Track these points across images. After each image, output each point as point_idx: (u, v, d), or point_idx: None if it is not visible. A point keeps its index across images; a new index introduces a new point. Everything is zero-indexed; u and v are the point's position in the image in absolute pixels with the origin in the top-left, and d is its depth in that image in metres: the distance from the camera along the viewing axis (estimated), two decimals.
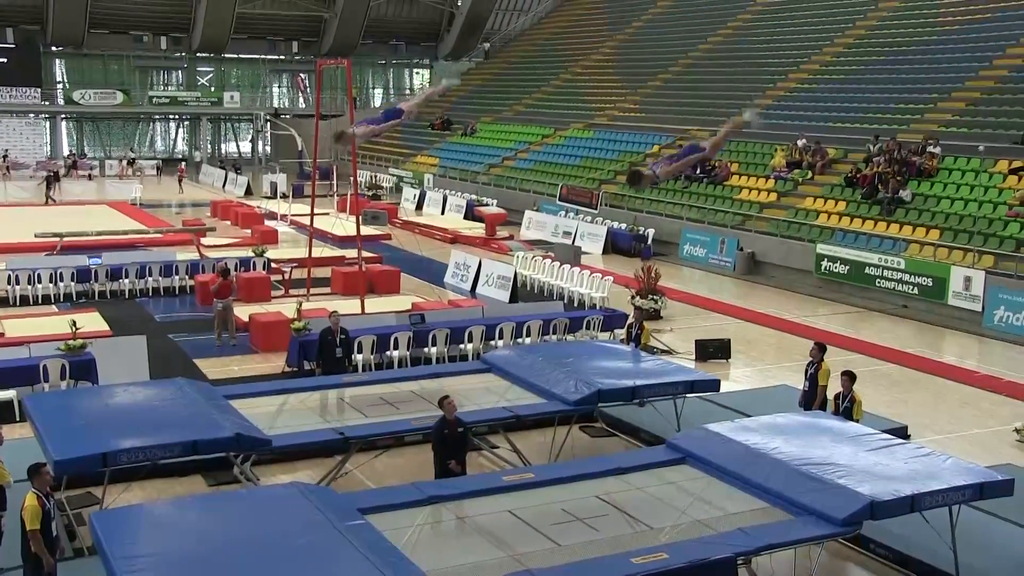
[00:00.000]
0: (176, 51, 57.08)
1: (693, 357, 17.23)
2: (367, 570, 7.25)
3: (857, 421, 11.32)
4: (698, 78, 38.70)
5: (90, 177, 49.02)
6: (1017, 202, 22.35)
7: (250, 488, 10.82)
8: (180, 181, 44.76)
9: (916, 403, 15.20)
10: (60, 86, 55.50)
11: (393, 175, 45.32)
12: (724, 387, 13.51)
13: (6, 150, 50.09)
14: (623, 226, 29.76)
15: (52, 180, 39.89)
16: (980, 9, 31.20)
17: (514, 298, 21.14)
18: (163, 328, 18.85)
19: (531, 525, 8.67)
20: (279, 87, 62.27)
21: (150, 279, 22.05)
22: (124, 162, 51.79)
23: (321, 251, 23.30)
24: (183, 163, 49.51)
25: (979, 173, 24.15)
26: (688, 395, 12.63)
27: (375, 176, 44.87)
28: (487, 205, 35.21)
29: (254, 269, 22.69)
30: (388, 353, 16.06)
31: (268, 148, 58.90)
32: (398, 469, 11.96)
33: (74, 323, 14.64)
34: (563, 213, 32.26)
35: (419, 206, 38.60)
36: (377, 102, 62.88)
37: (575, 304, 21.12)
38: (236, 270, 21.36)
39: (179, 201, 41.06)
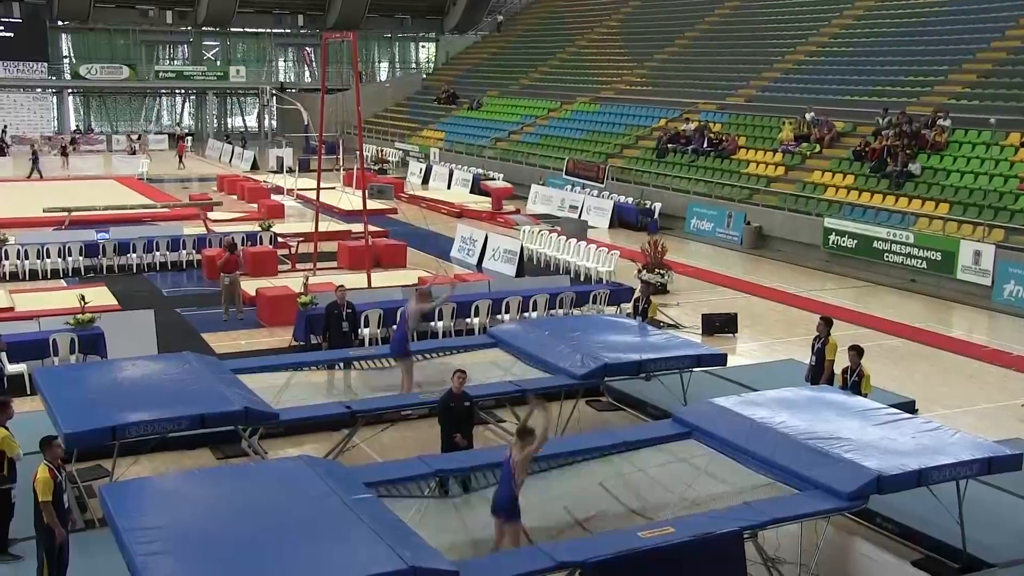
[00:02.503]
0: (182, 25, 56.78)
1: (700, 331, 17.21)
2: (374, 543, 7.28)
3: (865, 395, 11.30)
4: (705, 51, 38.41)
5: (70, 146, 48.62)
6: None
7: (258, 461, 10.86)
8: (180, 157, 44.65)
9: (924, 377, 15.18)
10: (66, 61, 55.31)
11: (399, 149, 45.19)
12: (731, 361, 13.50)
13: (5, 125, 49.94)
14: (630, 200, 29.66)
15: (37, 156, 39.80)
16: None
17: (520, 272, 21.13)
18: (171, 302, 18.89)
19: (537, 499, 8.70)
20: (285, 61, 61.96)
21: (157, 253, 22.08)
22: (133, 136, 51.68)
23: (327, 225, 23.29)
24: (188, 137, 49.41)
25: (990, 146, 23.96)
26: (695, 369, 12.64)
27: (381, 150, 44.74)
28: (493, 179, 35.12)
29: (261, 243, 22.69)
30: (394, 327, 16.05)
31: (274, 122, 58.74)
32: (404, 443, 12.00)
33: (83, 297, 14.69)
34: (569, 187, 32.15)
35: (425, 180, 38.51)
36: (383, 76, 62.56)
37: (581, 278, 21.09)
38: (243, 244, 21.40)
39: (185, 176, 41.02)
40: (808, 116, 28.78)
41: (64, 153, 44.75)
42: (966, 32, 29.21)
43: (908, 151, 24.67)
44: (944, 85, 27.58)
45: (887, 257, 22.55)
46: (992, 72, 27.13)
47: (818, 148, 27.91)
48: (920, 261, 21.82)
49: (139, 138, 50.94)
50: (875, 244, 22.82)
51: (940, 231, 21.94)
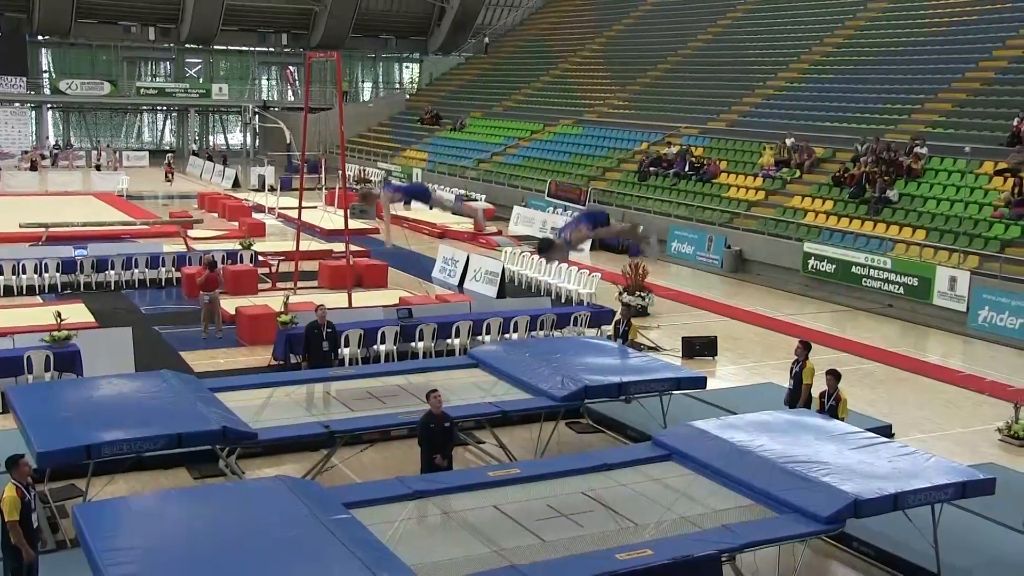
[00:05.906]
0: (164, 42, 56.71)
1: (680, 354, 17.27)
2: (352, 564, 7.24)
3: (842, 419, 11.37)
4: (687, 76, 38.75)
5: (47, 160, 48.26)
6: (1002, 203, 22.48)
7: (235, 481, 10.78)
8: (168, 174, 44.48)
9: (900, 402, 15.28)
10: (46, 75, 55.06)
11: (382, 169, 45.22)
12: (710, 384, 13.56)
13: None
14: None
15: None
16: (967, 11, 31.37)
17: (502, 293, 21.14)
18: (149, 320, 18.75)
19: (516, 521, 8.68)
20: (268, 80, 61.98)
21: (136, 271, 21.93)
22: (113, 152, 51.33)
23: (309, 244, 23.24)
24: (170, 155, 49.26)
25: (965, 174, 24.28)
26: (674, 392, 12.68)
27: (363, 170, 44.74)
28: (475, 200, 35.17)
29: (241, 262, 22.59)
30: (375, 347, 16.05)
31: (256, 141, 58.69)
32: (383, 463, 11.95)
33: (59, 314, 14.56)
34: (551, 209, 32.25)
35: (407, 201, 38.43)
36: (366, 96, 62.72)
37: (563, 300, 21.13)
38: (223, 262, 21.31)
39: (166, 193, 40.85)
40: (788, 142, 29.07)
41: (33, 167, 44.16)
42: (942, 62, 29.66)
43: (886, 178, 24.94)
44: (921, 113, 27.95)
45: (865, 282, 22.75)
46: (967, 101, 27.53)
47: (798, 173, 28.17)
48: (897, 286, 22.02)
49: (100, 155, 50.05)
50: (853, 269, 23.01)
51: (917, 257, 22.16)
